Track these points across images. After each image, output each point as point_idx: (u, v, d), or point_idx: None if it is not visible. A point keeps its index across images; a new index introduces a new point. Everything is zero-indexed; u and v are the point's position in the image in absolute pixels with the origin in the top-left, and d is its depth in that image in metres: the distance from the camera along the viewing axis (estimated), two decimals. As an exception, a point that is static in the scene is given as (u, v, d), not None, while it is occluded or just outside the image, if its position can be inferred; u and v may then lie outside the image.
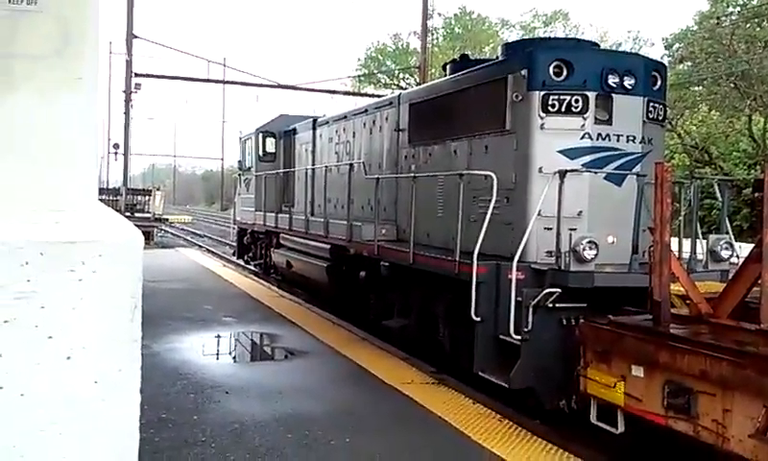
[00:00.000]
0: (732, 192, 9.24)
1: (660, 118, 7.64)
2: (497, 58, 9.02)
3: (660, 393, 4.92)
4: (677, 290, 5.70)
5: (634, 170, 7.08)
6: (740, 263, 5.29)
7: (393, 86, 41.86)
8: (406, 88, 29.81)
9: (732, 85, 27.74)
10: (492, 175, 7.12)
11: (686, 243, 7.70)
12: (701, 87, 29.88)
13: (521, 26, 46.12)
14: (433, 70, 29.48)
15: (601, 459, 5.40)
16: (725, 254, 7.02)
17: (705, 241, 7.27)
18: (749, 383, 4.28)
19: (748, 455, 4.28)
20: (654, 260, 5.37)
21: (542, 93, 7.15)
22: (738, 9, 29.24)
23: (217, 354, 8.81)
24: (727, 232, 7.37)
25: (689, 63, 30.34)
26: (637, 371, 5.12)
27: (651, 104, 7.38)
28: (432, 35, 36.65)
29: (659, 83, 7.58)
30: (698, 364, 4.61)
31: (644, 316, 5.62)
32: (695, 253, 7.33)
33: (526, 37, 32.97)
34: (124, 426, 1.54)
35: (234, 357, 8.82)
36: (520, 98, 7.32)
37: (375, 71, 46.19)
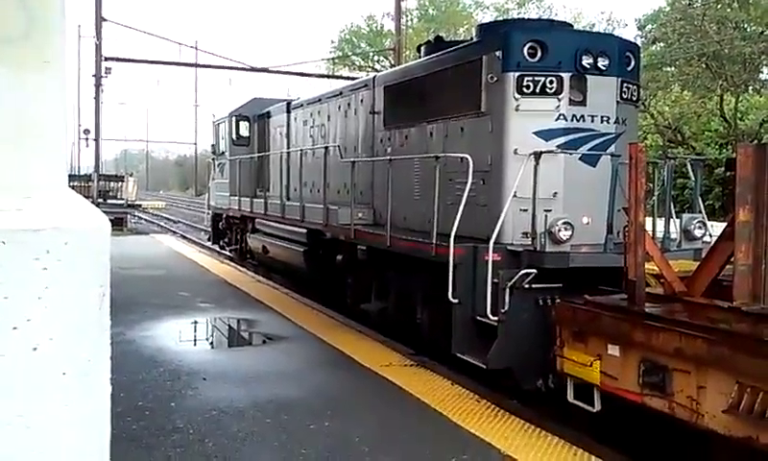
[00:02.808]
0: (704, 171, 9.33)
1: (634, 99, 7.68)
2: (472, 39, 8.99)
3: (635, 371, 4.98)
4: (651, 269, 5.74)
5: (608, 151, 7.11)
6: (713, 242, 5.35)
7: (367, 69, 41.62)
8: (380, 71, 29.67)
9: (703, 66, 28.01)
10: (468, 157, 7.11)
11: (660, 223, 7.77)
12: (673, 68, 30.12)
13: (495, 8, 46.06)
14: (408, 52, 29.38)
15: (578, 437, 5.43)
16: (698, 232, 7.09)
17: (678, 220, 7.34)
18: (722, 360, 4.34)
19: (721, 430, 4.35)
20: (628, 240, 5.41)
21: (517, 74, 7.14)
22: (709, -11, 29.47)
23: (194, 341, 8.76)
24: (700, 211, 7.45)
25: (662, 44, 30.56)
26: (613, 350, 5.16)
27: (625, 84, 7.40)
28: (406, 16, 36.48)
29: (632, 63, 7.60)
30: (673, 342, 4.66)
31: (620, 295, 5.66)
32: (669, 232, 7.40)
33: (500, 19, 32.96)
34: (95, 418, 1.49)
35: (211, 343, 8.76)
36: (495, 79, 7.31)
37: (350, 54, 45.88)
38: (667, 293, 5.55)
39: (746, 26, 28.52)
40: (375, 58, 43.93)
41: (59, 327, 1.47)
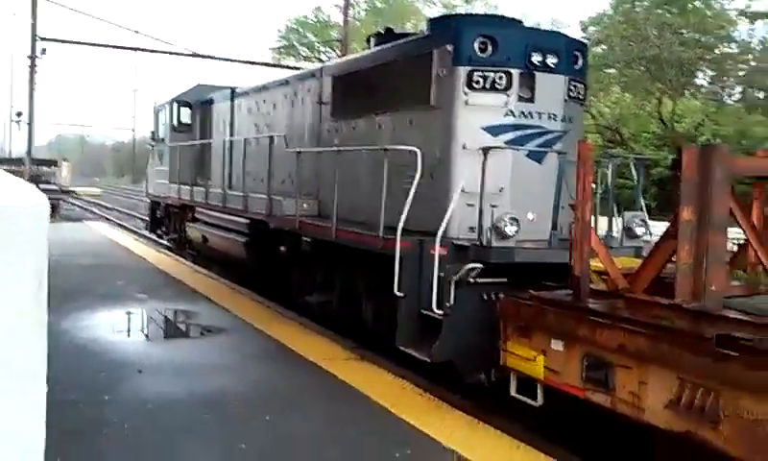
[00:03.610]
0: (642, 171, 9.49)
1: (581, 97, 7.75)
2: (422, 32, 8.93)
3: (578, 366, 5.01)
4: (594, 266, 5.80)
5: (554, 148, 7.17)
6: (657, 240, 5.42)
7: (312, 60, 41.30)
8: (326, 62, 29.41)
9: (643, 69, 28.74)
10: (417, 150, 7.04)
11: (602, 220, 7.87)
12: (614, 70, 30.81)
13: (443, 3, 46.26)
14: (354, 44, 29.24)
15: (521, 430, 5.45)
16: (639, 230, 7.21)
17: (620, 219, 7.44)
18: (664, 356, 4.39)
19: (662, 425, 4.40)
20: (575, 237, 5.44)
21: (468, 69, 7.12)
22: (651, -5, 30.23)
23: (129, 332, 8.47)
24: (641, 209, 7.58)
25: (604, 47, 31.21)
26: (557, 345, 5.19)
27: (572, 83, 7.46)
28: (354, 8, 36.31)
29: (580, 62, 7.67)
30: (616, 338, 4.70)
31: (564, 291, 5.70)
32: (611, 229, 7.51)
33: (450, 13, 33.04)
34: (28, 420, 1.31)
35: (147, 335, 8.48)
36: (445, 73, 7.27)
37: (296, 43, 45.43)
38: (610, 289, 5.61)
39: (683, 32, 29.39)
40: (321, 49, 43.62)
41: None
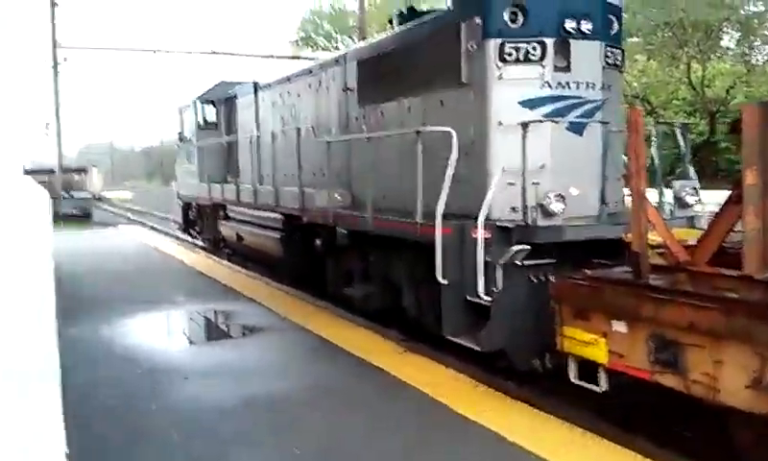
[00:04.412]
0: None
1: (618, 63, 7.40)
2: (448, 7, 8.62)
3: (644, 347, 4.71)
4: (650, 240, 5.50)
5: (594, 118, 6.86)
6: (720, 208, 5.09)
7: (330, 49, 41.07)
8: (349, 48, 29.11)
9: (669, 34, 27.98)
10: (452, 131, 6.78)
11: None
12: (638, 38, 30.02)
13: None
14: (371, 30, 28.90)
15: (579, 416, 5.20)
16: (691, 199, 6.88)
17: (670, 189, 7.11)
18: (741, 332, 4.09)
19: (744, 407, 4.11)
20: (631, 210, 5.14)
21: (499, 41, 6.81)
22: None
23: (171, 336, 8.36)
24: (691, 178, 7.24)
25: (626, 15, 30.45)
26: (620, 326, 4.89)
27: (609, 49, 7.12)
28: (370, -6, 35.90)
29: (615, 26, 7.32)
30: (685, 315, 4.39)
31: (621, 268, 5.41)
32: (662, 200, 7.17)
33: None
34: (45, 419, 1.06)
35: (190, 338, 8.36)
36: (476, 47, 6.98)
37: (312, 35, 45.23)
38: (671, 263, 5.31)
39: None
40: (339, 38, 43.36)
41: None
